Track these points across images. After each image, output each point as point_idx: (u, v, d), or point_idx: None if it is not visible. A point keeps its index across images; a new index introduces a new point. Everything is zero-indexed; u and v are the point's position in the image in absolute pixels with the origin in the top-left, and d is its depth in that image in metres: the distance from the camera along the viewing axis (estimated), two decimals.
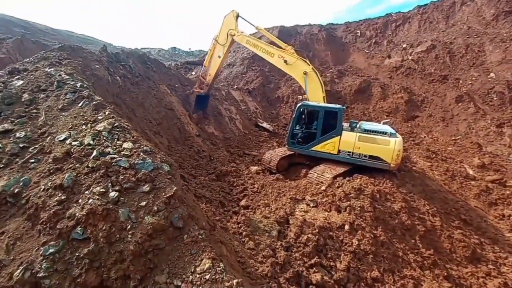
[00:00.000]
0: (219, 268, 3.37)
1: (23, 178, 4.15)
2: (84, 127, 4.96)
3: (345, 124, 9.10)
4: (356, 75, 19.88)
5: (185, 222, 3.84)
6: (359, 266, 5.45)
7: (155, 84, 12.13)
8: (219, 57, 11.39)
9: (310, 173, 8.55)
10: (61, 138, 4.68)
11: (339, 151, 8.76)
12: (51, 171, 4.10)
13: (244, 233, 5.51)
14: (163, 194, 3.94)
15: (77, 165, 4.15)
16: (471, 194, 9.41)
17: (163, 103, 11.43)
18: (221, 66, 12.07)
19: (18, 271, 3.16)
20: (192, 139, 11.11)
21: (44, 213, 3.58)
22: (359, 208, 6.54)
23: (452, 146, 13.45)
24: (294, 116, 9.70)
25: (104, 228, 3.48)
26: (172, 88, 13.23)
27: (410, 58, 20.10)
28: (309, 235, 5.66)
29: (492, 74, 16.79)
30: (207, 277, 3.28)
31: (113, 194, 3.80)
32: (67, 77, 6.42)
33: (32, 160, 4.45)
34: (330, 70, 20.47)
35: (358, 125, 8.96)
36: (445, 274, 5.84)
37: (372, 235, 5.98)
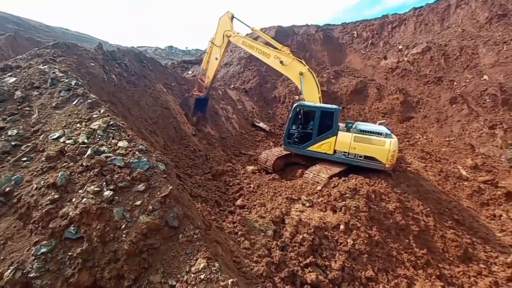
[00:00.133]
0: (214, 268, 3.36)
1: (15, 176, 4.09)
2: (78, 125, 4.91)
3: (341, 125, 9.16)
4: (353, 76, 20.01)
5: (180, 222, 3.82)
6: (354, 265, 5.49)
7: (151, 83, 12.04)
8: (216, 59, 11.37)
9: (306, 173, 8.58)
10: (55, 136, 4.61)
11: (335, 151, 8.80)
12: (44, 170, 4.04)
13: (239, 232, 5.51)
14: (159, 193, 3.92)
15: (71, 163, 4.10)
16: (464, 195, 9.55)
17: (159, 102, 11.36)
18: (219, 67, 12.03)
19: (9, 271, 3.11)
20: (188, 138, 11.06)
21: (36, 212, 3.53)
22: (354, 208, 6.59)
23: (446, 147, 13.63)
24: (290, 116, 9.72)
25: (98, 227, 3.45)
26: (169, 87, 13.15)
27: (405, 59, 20.32)
28: (305, 235, 5.68)
29: (485, 76, 17.07)
30: (202, 276, 3.27)
31: (107, 193, 3.76)
32: (61, 74, 6.34)
33: (25, 159, 4.38)
34: (327, 70, 20.57)
35: (354, 126, 9.02)
36: (438, 273, 5.91)
37: (367, 235, 6.03)
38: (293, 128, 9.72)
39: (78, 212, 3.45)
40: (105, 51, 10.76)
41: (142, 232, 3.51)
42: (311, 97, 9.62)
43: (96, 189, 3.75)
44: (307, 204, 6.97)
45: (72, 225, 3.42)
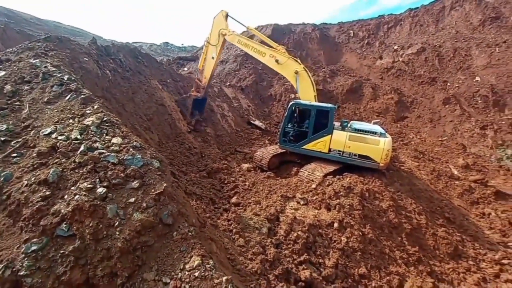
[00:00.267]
0: (208, 265, 3.36)
1: (4, 172, 4.00)
2: (71, 121, 4.82)
3: (336, 124, 9.21)
4: (348, 75, 20.12)
5: (174, 219, 3.80)
6: (347, 263, 5.55)
7: (146, 79, 11.89)
8: (213, 58, 11.29)
9: (301, 171, 8.62)
10: (46, 132, 4.52)
11: (329, 149, 8.86)
12: (35, 166, 3.96)
13: (234, 230, 5.51)
14: (153, 190, 3.89)
15: (63, 160, 4.03)
16: (455, 193, 9.74)
17: (154, 98, 11.23)
18: (216, 67, 11.94)
19: None
20: (183, 135, 10.98)
21: (26, 209, 3.47)
22: (348, 206, 6.65)
23: (438, 147, 13.85)
24: (286, 114, 9.73)
25: (91, 224, 3.40)
26: (164, 84, 13.02)
27: (401, 59, 20.51)
28: (299, 233, 5.72)
29: (477, 78, 17.36)
30: (196, 274, 3.27)
31: (101, 190, 3.71)
32: (54, 69, 6.20)
33: (15, 154, 4.28)
34: (323, 69, 20.64)
35: (349, 125, 9.08)
36: (429, 270, 6.03)
37: (360, 233, 6.10)
38: (289, 126, 9.74)
39: (71, 209, 3.40)
40: (99, 46, 10.57)
41: (136, 229, 3.48)
42: (307, 96, 9.64)
43: (89, 186, 3.70)
44: (302, 202, 7.01)
45: (64, 222, 3.37)
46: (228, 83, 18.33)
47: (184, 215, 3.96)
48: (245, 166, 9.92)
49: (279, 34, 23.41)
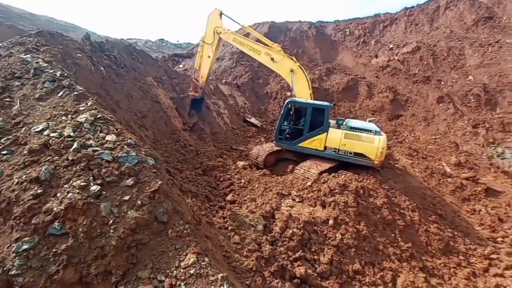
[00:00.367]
0: (204, 263, 3.36)
1: None
2: (64, 118, 4.73)
3: (332, 122, 9.26)
4: (344, 73, 20.19)
5: (170, 217, 3.78)
6: (342, 259, 5.62)
7: (141, 76, 11.75)
8: (209, 57, 11.20)
9: (297, 169, 8.66)
10: (38, 129, 4.44)
11: (325, 147, 8.91)
12: (26, 164, 3.89)
13: (230, 227, 5.53)
14: (148, 188, 3.86)
15: (56, 157, 3.97)
16: (447, 191, 9.91)
17: (149, 95, 11.11)
18: (212, 66, 11.84)
19: None
20: (178, 133, 10.91)
21: (17, 207, 3.41)
22: (343, 204, 6.72)
23: (432, 145, 14.05)
24: (282, 112, 9.74)
25: (84, 223, 3.37)
26: (159, 81, 12.88)
27: (396, 58, 20.64)
28: (294, 230, 5.76)
29: (470, 77, 17.60)
30: (191, 271, 3.27)
31: (94, 187, 3.67)
32: (45, 64, 6.07)
33: (5, 152, 4.19)
34: (319, 67, 20.66)
35: (344, 123, 9.14)
36: (421, 265, 6.16)
37: (355, 230, 6.17)
38: (285, 124, 9.75)
39: (63, 208, 3.36)
40: (93, 42, 10.38)
41: (130, 227, 3.46)
42: (302, 93, 9.66)
43: (82, 183, 3.65)
44: (297, 199, 7.05)
45: (57, 220, 3.32)
46: (224, 81, 18.23)
47: (179, 213, 3.94)
48: (240, 163, 9.92)
49: (276, 31, 23.33)
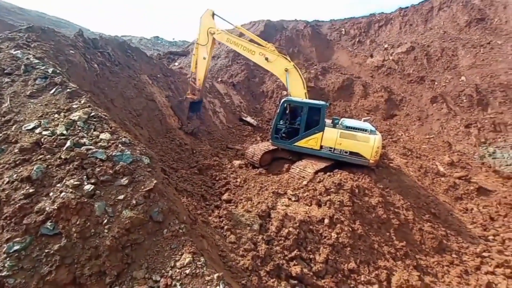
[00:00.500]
0: (199, 263, 3.34)
1: None
2: (56, 116, 4.63)
3: (328, 121, 9.30)
4: (340, 73, 20.29)
5: (165, 216, 3.75)
6: (337, 258, 5.65)
7: (136, 74, 11.60)
8: (204, 58, 11.11)
9: (292, 168, 8.67)
10: (30, 127, 4.34)
11: (321, 146, 8.94)
12: (17, 163, 3.79)
13: (225, 227, 5.50)
14: (143, 187, 3.81)
15: (48, 156, 3.88)
16: (441, 190, 10.06)
17: (144, 93, 10.98)
18: (208, 67, 11.73)
19: None
20: (174, 131, 10.82)
21: (8, 207, 3.32)
22: (338, 203, 6.76)
23: (426, 144, 14.24)
24: (278, 111, 9.74)
25: (78, 222, 3.31)
26: (154, 79, 12.73)
27: (391, 58, 20.83)
28: (290, 229, 5.77)
29: (463, 78, 17.89)
30: (187, 271, 3.24)
31: (88, 187, 3.61)
32: (37, 61, 5.93)
33: None
34: (315, 66, 20.72)
35: (340, 122, 9.18)
36: (415, 264, 6.24)
37: (350, 229, 6.22)
38: (281, 123, 9.76)
39: (56, 207, 3.29)
40: (86, 39, 10.19)
41: (125, 227, 3.41)
42: (297, 93, 9.67)
43: (76, 183, 3.59)
44: (293, 199, 7.06)
45: (49, 220, 3.25)
46: (219, 79, 18.13)
47: (174, 212, 3.90)
48: (236, 162, 9.89)
49: (272, 30, 23.30)
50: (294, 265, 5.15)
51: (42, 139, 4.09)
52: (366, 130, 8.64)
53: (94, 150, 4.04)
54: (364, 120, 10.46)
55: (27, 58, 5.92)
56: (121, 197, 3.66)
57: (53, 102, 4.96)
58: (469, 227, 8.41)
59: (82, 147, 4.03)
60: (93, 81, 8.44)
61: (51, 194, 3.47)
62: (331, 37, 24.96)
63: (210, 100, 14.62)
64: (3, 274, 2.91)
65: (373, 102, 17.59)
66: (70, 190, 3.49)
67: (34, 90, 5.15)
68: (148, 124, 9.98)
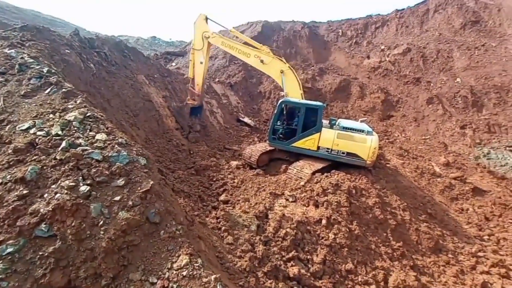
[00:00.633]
0: (197, 264, 3.31)
1: None
2: (51, 116, 4.57)
3: (325, 122, 9.32)
4: (337, 74, 20.39)
5: (162, 218, 3.71)
6: (335, 259, 5.66)
7: (133, 74, 11.52)
8: (201, 63, 11.10)
9: (290, 169, 8.68)
10: (24, 127, 4.27)
11: (318, 147, 8.96)
12: (11, 163, 3.73)
13: (223, 228, 5.48)
14: (139, 188, 3.77)
15: (43, 157, 3.82)
16: (437, 190, 10.14)
17: (140, 93, 10.91)
18: (206, 71, 11.71)
19: None
20: (171, 132, 10.77)
21: (1, 209, 3.26)
22: (335, 203, 6.77)
23: (422, 145, 14.36)
24: (275, 112, 9.75)
25: (73, 224, 3.26)
26: (151, 79, 12.66)
27: (387, 59, 20.99)
28: (288, 230, 5.76)
29: (458, 79, 18.09)
30: (184, 273, 3.21)
31: (84, 188, 3.56)
32: (31, 60, 5.85)
33: None
34: (312, 67, 20.79)
35: (337, 123, 9.21)
36: (412, 264, 6.27)
37: (347, 229, 6.23)
38: (278, 124, 9.76)
39: (51, 209, 3.24)
40: (82, 38, 10.10)
41: (121, 228, 3.37)
42: (293, 94, 9.69)
43: (71, 184, 3.54)
44: (290, 199, 7.06)
45: (44, 222, 3.20)
46: (217, 79, 18.10)
47: (171, 213, 3.87)
48: (234, 163, 9.87)
49: (269, 31, 23.33)
50: (292, 266, 5.14)
51: (37, 140, 4.03)
52: (363, 131, 8.68)
53: (90, 150, 3.99)
54: (361, 121, 10.52)
55: (22, 57, 5.84)
56: (117, 198, 3.62)
57: (48, 102, 4.90)
58: (464, 227, 8.49)
59: (78, 148, 3.98)
60: (89, 81, 8.37)
61: (45, 195, 3.42)
62: (328, 38, 25.07)
63: (207, 101, 14.57)
64: None
65: (370, 103, 17.70)
66: (66, 191, 3.44)
67: (28, 90, 5.08)
68: (145, 125, 9.92)
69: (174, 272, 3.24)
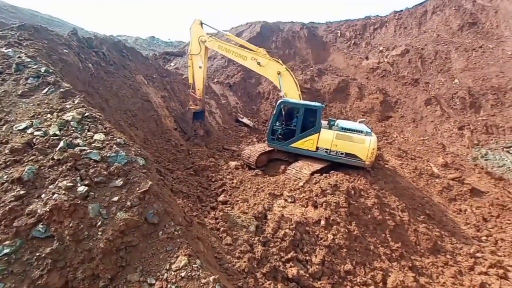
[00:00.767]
0: (195, 265, 3.29)
1: None
2: (49, 116, 4.54)
3: (324, 122, 9.33)
4: (335, 75, 20.43)
5: (160, 218, 3.69)
6: (333, 259, 5.65)
7: (131, 74, 11.49)
8: (200, 67, 11.11)
9: (289, 169, 8.67)
10: (21, 127, 4.24)
11: (317, 148, 8.96)
12: (8, 163, 3.70)
13: (221, 228, 5.46)
14: (138, 189, 3.75)
15: (40, 157, 3.80)
16: (435, 191, 10.16)
17: (139, 94, 10.88)
18: (205, 75, 11.71)
19: None
20: (169, 132, 10.74)
21: None
22: (334, 204, 6.76)
23: (420, 146, 14.41)
24: (274, 112, 9.74)
25: (70, 225, 3.24)
26: (150, 79, 12.64)
27: (386, 60, 21.07)
28: (286, 230, 5.75)
29: (456, 80, 18.19)
30: (183, 274, 3.19)
31: (82, 188, 3.54)
32: (29, 60, 5.82)
33: None
34: (311, 68, 20.83)
35: (335, 123, 9.22)
36: (410, 265, 6.27)
37: (346, 230, 6.23)
38: (277, 124, 9.75)
39: (48, 209, 3.21)
40: (81, 38, 10.06)
41: (119, 229, 3.35)
42: (291, 95, 9.70)
43: (69, 184, 3.51)
44: (289, 200, 7.05)
45: (41, 223, 3.17)
46: (216, 80, 18.09)
47: (170, 214, 3.85)
48: (232, 163, 9.85)
49: (268, 31, 23.36)
50: (291, 266, 5.13)
51: (34, 140, 4.00)
52: (361, 132, 8.70)
53: (88, 151, 3.97)
54: (360, 122, 10.54)
55: (19, 57, 5.80)
56: (115, 198, 3.60)
57: (45, 102, 4.87)
58: (462, 228, 8.51)
59: (76, 148, 3.95)
60: (87, 81, 8.33)
61: (43, 195, 3.39)
62: (327, 39, 25.12)
63: (206, 101, 14.55)
64: None
65: (369, 104, 17.75)
66: (63, 191, 3.42)
67: (26, 90, 5.05)
68: (144, 125, 9.89)
69: (173, 273, 3.23)
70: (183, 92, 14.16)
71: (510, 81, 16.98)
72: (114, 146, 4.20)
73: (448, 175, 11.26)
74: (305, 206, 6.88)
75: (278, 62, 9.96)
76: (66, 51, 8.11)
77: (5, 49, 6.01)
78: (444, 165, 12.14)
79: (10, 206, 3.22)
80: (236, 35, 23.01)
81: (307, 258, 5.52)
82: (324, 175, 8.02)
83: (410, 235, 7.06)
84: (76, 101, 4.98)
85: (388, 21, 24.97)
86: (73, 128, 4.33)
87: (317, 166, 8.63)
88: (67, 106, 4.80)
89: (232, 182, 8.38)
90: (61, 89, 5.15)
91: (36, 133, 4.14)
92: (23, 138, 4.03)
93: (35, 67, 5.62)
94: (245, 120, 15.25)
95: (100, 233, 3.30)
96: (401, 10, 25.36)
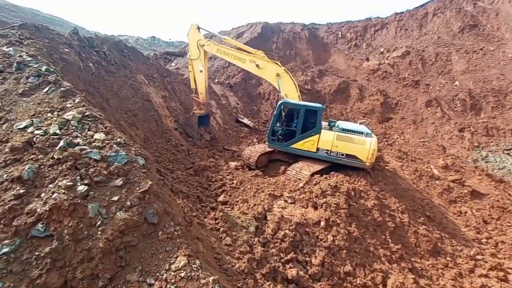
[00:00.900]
0: (195, 265, 3.28)
1: None
2: (49, 115, 4.54)
3: (324, 123, 9.33)
4: (336, 76, 20.45)
5: (160, 218, 3.69)
6: (333, 261, 5.63)
7: (132, 74, 11.49)
8: (201, 71, 11.11)
9: (289, 170, 8.66)
10: (21, 126, 4.23)
11: (317, 149, 8.96)
12: (8, 162, 3.69)
13: (221, 229, 5.45)
14: (137, 188, 3.74)
15: (40, 156, 3.79)
16: (435, 193, 10.15)
17: (139, 93, 10.88)
18: (207, 79, 11.71)
19: None
20: (170, 132, 10.73)
21: None
22: (334, 205, 6.75)
23: (420, 148, 14.40)
24: (275, 113, 9.74)
25: (70, 224, 3.23)
26: (150, 79, 12.64)
27: (386, 62, 21.09)
28: (286, 231, 5.73)
29: (456, 82, 18.20)
30: (182, 274, 3.19)
31: (81, 188, 3.53)
32: (30, 58, 5.82)
33: None
34: (311, 69, 20.84)
35: (336, 125, 9.22)
36: (410, 266, 6.26)
37: (346, 231, 6.21)
38: (278, 125, 9.75)
39: (48, 208, 3.20)
40: (81, 37, 10.06)
41: (119, 229, 3.34)
42: (290, 96, 9.71)
43: (68, 183, 3.50)
44: (289, 201, 7.04)
45: (40, 222, 3.17)
46: (216, 80, 18.10)
47: (170, 214, 3.85)
48: (233, 164, 9.84)
49: (269, 32, 23.39)
50: (290, 267, 5.11)
51: (34, 139, 3.99)
52: (362, 133, 8.69)
53: (88, 150, 3.96)
54: (360, 123, 10.53)
55: (20, 56, 5.80)
56: (115, 198, 3.59)
57: (46, 100, 4.86)
58: (463, 230, 8.49)
59: (76, 147, 3.95)
60: (88, 80, 8.33)
61: (42, 195, 3.39)
62: (327, 40, 25.15)
63: None
64: None
65: (369, 105, 17.75)
66: (63, 191, 3.41)
67: (26, 88, 5.05)
68: (144, 125, 9.88)
69: (172, 273, 3.22)
70: (183, 92, 14.17)
71: (510, 84, 16.99)
72: (114, 146, 4.20)
73: (449, 177, 11.24)
74: (305, 207, 6.87)
75: (277, 64, 9.97)
76: (67, 50, 8.12)
77: (6, 48, 6.01)
78: (444, 167, 12.12)
79: (9, 205, 3.21)
80: (237, 36, 23.11)
81: (307, 259, 5.51)
82: (324, 176, 8.01)
83: (410, 236, 7.04)
84: (76, 100, 4.97)
85: (389, 23, 25.00)
86: (74, 127, 4.33)
87: (317, 167, 8.62)
88: (68, 105, 4.79)
89: (232, 183, 8.37)
90: (62, 88, 5.15)
91: (36, 132, 4.13)
92: (23, 137, 4.02)
93: (36, 66, 5.62)
94: (245, 120, 15.25)
95: (99, 232, 3.29)
96: (402, 12, 25.40)
